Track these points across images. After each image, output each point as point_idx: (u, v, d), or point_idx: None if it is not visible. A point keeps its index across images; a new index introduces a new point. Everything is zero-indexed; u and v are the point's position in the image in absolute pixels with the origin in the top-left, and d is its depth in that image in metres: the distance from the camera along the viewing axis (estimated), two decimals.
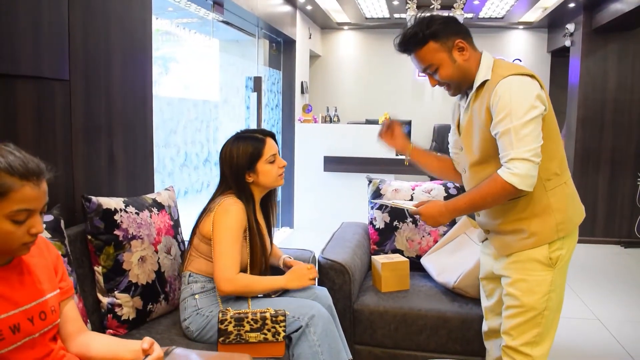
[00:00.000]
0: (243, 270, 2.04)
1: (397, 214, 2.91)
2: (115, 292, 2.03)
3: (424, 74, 1.91)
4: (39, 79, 1.96)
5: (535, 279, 1.84)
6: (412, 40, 1.83)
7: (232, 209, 2.02)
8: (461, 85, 1.88)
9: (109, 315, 2.02)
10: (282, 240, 5.88)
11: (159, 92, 4.23)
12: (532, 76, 1.75)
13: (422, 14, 1.85)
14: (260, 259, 2.11)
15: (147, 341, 1.36)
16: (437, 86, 1.92)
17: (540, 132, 1.71)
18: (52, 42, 2.01)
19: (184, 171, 4.25)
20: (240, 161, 2.09)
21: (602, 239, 5.83)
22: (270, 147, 2.14)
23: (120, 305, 2.03)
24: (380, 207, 2.94)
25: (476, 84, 1.82)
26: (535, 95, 1.70)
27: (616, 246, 5.77)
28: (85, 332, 1.50)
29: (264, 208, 2.27)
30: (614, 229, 5.84)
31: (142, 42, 2.63)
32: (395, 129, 2.14)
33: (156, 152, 2.90)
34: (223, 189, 2.15)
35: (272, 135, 2.20)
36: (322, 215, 6.03)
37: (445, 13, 6.53)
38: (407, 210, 2.00)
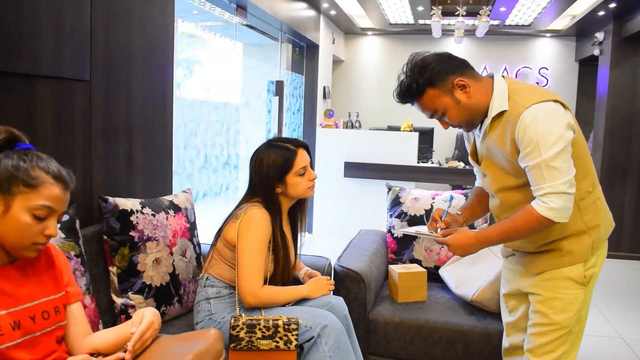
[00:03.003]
0: (264, 280, 2.02)
1: (417, 223, 2.85)
2: (129, 293, 2.03)
3: (432, 119, 1.83)
4: (59, 79, 1.97)
5: (568, 297, 1.77)
6: (408, 92, 1.77)
7: (258, 220, 1.99)
8: (474, 121, 1.79)
9: (122, 316, 2.02)
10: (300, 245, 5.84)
11: (183, 94, 4.25)
12: (555, 101, 1.66)
13: (413, 59, 1.77)
14: (282, 273, 2.08)
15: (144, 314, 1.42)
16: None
17: (571, 161, 1.63)
18: (74, 43, 2.02)
19: (203, 174, 4.26)
20: (269, 172, 2.05)
21: (629, 254, 5.67)
22: (302, 159, 2.09)
23: (133, 307, 2.03)
24: (400, 216, 2.90)
25: (491, 114, 1.73)
26: (563, 125, 1.61)
27: None
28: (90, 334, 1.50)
29: (292, 216, 2.24)
30: None
31: (164, 44, 2.64)
32: (437, 219, 1.99)
33: (176, 153, 2.91)
34: (251, 195, 2.11)
35: (306, 147, 2.15)
36: (340, 222, 5.99)
37: (471, 21, 6.53)
38: (434, 239, 1.93)
